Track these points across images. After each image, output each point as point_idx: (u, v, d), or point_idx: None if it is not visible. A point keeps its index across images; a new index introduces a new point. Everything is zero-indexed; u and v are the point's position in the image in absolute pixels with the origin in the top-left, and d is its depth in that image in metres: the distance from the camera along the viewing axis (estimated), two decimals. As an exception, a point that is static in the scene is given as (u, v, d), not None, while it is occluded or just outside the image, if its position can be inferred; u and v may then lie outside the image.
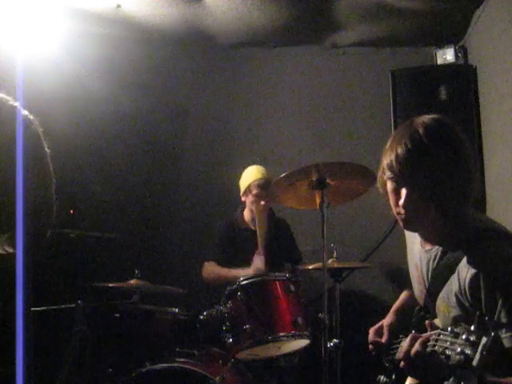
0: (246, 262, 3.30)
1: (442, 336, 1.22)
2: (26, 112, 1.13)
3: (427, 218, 1.50)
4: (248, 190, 3.45)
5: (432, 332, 1.28)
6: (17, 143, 1.02)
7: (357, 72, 4.31)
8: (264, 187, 3.36)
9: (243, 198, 3.53)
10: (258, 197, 3.41)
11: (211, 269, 3.41)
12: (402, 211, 1.50)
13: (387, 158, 1.49)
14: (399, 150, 1.45)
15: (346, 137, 4.25)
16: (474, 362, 1.08)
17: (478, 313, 1.13)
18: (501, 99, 3.20)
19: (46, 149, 1.15)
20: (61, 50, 3.53)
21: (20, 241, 1.00)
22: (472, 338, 1.10)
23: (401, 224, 1.57)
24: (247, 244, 3.42)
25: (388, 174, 1.50)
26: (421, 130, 1.46)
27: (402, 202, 1.48)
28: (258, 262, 3.25)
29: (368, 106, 4.23)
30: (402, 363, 1.35)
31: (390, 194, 1.53)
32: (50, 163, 1.14)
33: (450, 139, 1.47)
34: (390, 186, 1.52)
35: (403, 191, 1.47)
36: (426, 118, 1.51)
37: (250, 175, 3.46)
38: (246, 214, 3.57)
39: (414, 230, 1.63)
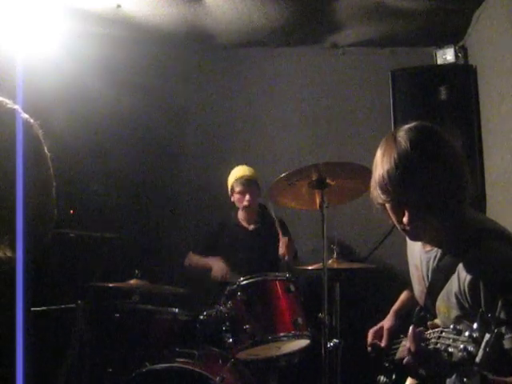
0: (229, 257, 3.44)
1: (444, 333, 1.22)
2: (25, 115, 1.13)
3: (429, 226, 1.49)
4: (232, 189, 3.56)
5: (434, 330, 1.28)
6: (17, 147, 1.02)
7: (357, 72, 4.30)
8: (246, 184, 3.49)
9: (232, 199, 3.62)
10: (241, 194, 3.52)
11: (189, 258, 3.61)
12: (408, 228, 1.48)
13: (379, 179, 1.45)
14: (390, 171, 1.41)
15: (345, 137, 4.25)
16: (477, 359, 1.08)
17: (480, 310, 1.13)
18: (501, 99, 3.20)
19: (47, 152, 1.15)
20: (61, 50, 3.53)
21: (20, 242, 1.00)
22: (475, 335, 1.10)
23: (407, 237, 1.57)
24: (235, 239, 3.54)
25: (384, 197, 1.45)
26: (407, 146, 1.41)
27: (406, 220, 1.44)
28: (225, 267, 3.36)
29: (368, 106, 4.23)
30: (405, 359, 1.35)
31: (391, 212, 1.49)
32: (51, 166, 1.14)
33: (436, 146, 1.44)
34: (388, 205, 1.49)
35: (405, 211, 1.44)
36: (407, 129, 1.47)
37: (232, 175, 3.59)
38: (240, 214, 3.64)
39: (420, 240, 1.63)
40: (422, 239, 1.60)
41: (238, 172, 3.57)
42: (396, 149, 1.42)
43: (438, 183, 1.40)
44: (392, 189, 1.41)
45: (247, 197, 3.50)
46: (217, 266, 3.39)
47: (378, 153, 1.49)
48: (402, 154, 1.41)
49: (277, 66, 4.40)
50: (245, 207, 3.54)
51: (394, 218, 1.50)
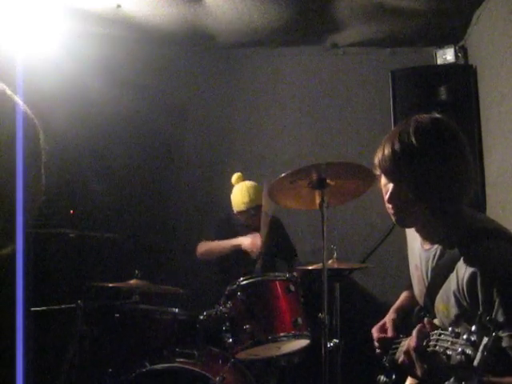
0: (241, 256, 3.36)
1: (442, 336, 1.22)
2: (25, 106, 1.13)
3: (417, 215, 1.52)
4: (239, 213, 3.52)
5: (433, 332, 1.28)
6: (16, 133, 1.02)
7: (357, 72, 4.31)
8: (251, 213, 3.45)
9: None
10: (246, 222, 3.51)
11: (204, 245, 3.48)
12: (389, 206, 1.55)
13: (378, 155, 1.53)
14: (387, 148, 1.50)
15: (346, 137, 4.25)
16: (475, 363, 1.08)
17: (478, 313, 1.13)
18: (501, 99, 3.20)
19: (43, 146, 1.15)
20: (61, 50, 3.53)
21: (20, 240, 1.00)
22: (473, 339, 1.10)
23: (393, 220, 1.59)
24: (234, 235, 3.46)
25: (378, 170, 1.55)
26: (411, 130, 1.48)
27: (387, 197, 1.53)
28: (257, 237, 3.29)
29: (368, 105, 4.23)
30: (402, 358, 1.35)
31: (383, 188, 1.57)
32: (43, 161, 1.13)
33: (441, 140, 1.47)
34: (382, 181, 1.57)
35: (389, 186, 1.52)
36: (424, 116, 1.53)
37: (236, 201, 3.49)
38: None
39: (406, 226, 1.67)
40: (407, 225, 1.65)
41: (242, 202, 3.46)
42: (402, 130, 1.50)
43: (431, 172, 1.44)
44: (384, 164, 1.50)
45: (254, 222, 3.48)
46: (247, 239, 3.29)
47: (391, 130, 1.58)
48: (404, 136, 1.48)
49: (277, 66, 4.40)
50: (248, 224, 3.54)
51: (384, 196, 1.57)
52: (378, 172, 1.56)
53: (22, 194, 0.99)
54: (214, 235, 3.50)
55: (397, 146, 1.47)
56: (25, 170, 1.00)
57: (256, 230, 3.52)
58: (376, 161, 1.54)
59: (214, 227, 3.58)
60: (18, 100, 1.08)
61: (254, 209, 3.45)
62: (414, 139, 1.45)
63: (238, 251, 3.35)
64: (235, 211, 3.54)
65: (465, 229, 1.50)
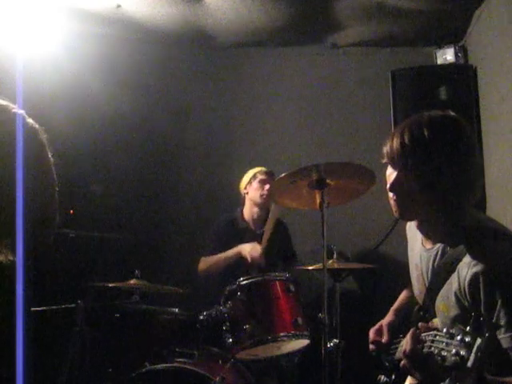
0: (243, 262, 3.33)
1: (437, 337, 1.22)
2: (30, 120, 1.13)
3: (419, 207, 1.51)
4: (253, 177, 3.55)
5: (428, 333, 1.28)
6: (19, 152, 1.02)
7: (357, 72, 4.30)
8: (269, 175, 3.52)
9: (245, 190, 3.59)
10: (263, 183, 3.52)
11: (206, 261, 3.47)
12: (391, 195, 1.54)
13: (387, 143, 1.53)
14: (396, 137, 1.49)
15: (346, 137, 4.25)
16: (469, 364, 1.07)
17: (473, 314, 1.13)
18: (501, 99, 3.20)
19: (50, 157, 1.15)
20: (61, 50, 3.53)
21: (20, 244, 1.00)
22: (467, 339, 1.10)
23: (394, 212, 1.58)
24: (241, 242, 3.44)
25: (385, 159, 1.54)
26: (423, 122, 1.48)
27: (389, 184, 1.52)
28: (257, 246, 3.30)
29: (368, 106, 4.23)
30: (402, 362, 1.35)
31: (388, 178, 1.56)
32: (54, 173, 1.14)
33: (452, 135, 1.47)
34: (388, 171, 1.56)
35: (393, 174, 1.52)
36: (438, 112, 1.53)
37: (253, 169, 3.60)
38: (246, 213, 3.59)
39: (407, 218, 1.65)
40: (410, 218, 1.64)
41: (262, 167, 3.60)
42: (413, 121, 1.51)
43: (438, 165, 1.43)
44: (392, 152, 1.50)
45: (267, 186, 3.50)
46: (247, 246, 3.31)
47: (401, 124, 1.57)
48: (414, 127, 1.48)
49: (277, 66, 4.40)
50: (262, 198, 3.51)
51: (388, 182, 1.57)
52: (384, 160, 1.55)
53: (22, 204, 1.00)
54: (214, 249, 3.46)
55: (407, 136, 1.47)
56: (28, 184, 1.01)
57: (261, 206, 3.54)
58: (384, 149, 1.53)
59: (214, 242, 3.52)
60: (25, 117, 1.08)
61: (271, 172, 3.51)
62: (425, 131, 1.45)
63: (239, 260, 3.35)
64: (249, 178, 3.57)
65: (468, 228, 1.49)
